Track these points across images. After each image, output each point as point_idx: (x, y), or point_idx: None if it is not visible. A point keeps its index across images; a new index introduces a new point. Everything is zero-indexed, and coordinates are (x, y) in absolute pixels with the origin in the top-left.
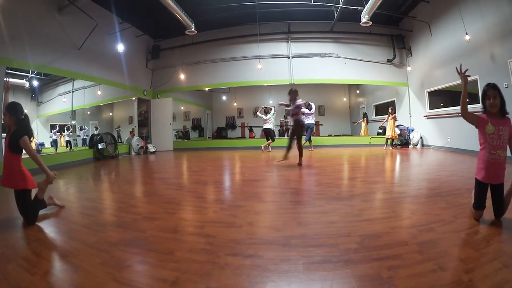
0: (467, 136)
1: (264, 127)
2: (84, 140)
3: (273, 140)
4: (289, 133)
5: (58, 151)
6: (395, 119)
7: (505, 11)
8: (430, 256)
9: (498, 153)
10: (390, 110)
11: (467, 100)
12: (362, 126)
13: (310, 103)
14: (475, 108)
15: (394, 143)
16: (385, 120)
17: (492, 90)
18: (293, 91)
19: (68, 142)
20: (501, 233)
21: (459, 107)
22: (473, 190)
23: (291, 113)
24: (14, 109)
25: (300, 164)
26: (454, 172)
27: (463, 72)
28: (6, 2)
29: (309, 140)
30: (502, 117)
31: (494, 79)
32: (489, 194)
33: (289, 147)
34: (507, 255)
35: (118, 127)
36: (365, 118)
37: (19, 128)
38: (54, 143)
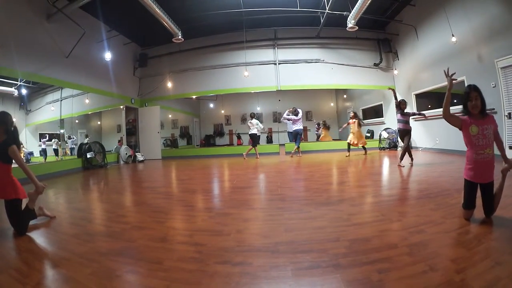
0: (456, 137)
1: (250, 132)
2: (71, 150)
3: (254, 146)
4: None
5: (47, 160)
6: (359, 124)
7: (491, 11)
8: (421, 257)
9: (486, 152)
10: (352, 114)
11: (455, 100)
12: (322, 133)
13: (297, 109)
14: (459, 109)
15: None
16: (345, 125)
17: (474, 92)
18: (404, 102)
19: (55, 151)
20: (492, 231)
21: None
22: (463, 191)
23: (404, 119)
24: (4, 119)
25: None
26: (443, 173)
27: (450, 75)
28: None
29: (298, 146)
30: (483, 117)
31: (482, 79)
32: (478, 193)
33: (404, 152)
34: (499, 253)
35: (86, 136)
36: (324, 126)
37: (8, 138)
38: (44, 152)
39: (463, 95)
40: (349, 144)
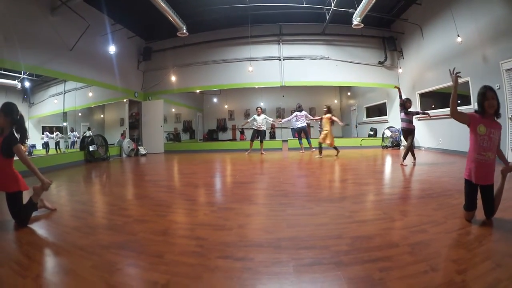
0: (458, 137)
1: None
2: (73, 143)
3: (251, 141)
4: (405, 137)
5: (49, 153)
6: (331, 120)
7: (497, 12)
8: (422, 257)
9: (488, 155)
10: (325, 109)
11: (458, 101)
12: None
13: (302, 106)
14: (465, 110)
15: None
16: (317, 119)
17: (490, 91)
18: (410, 101)
19: (57, 144)
20: (493, 233)
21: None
22: (464, 191)
23: (407, 118)
24: (10, 110)
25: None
26: (445, 173)
27: (456, 73)
28: None
29: (301, 143)
30: (494, 120)
31: (486, 81)
32: (479, 195)
33: (407, 151)
34: (500, 255)
35: (89, 129)
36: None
37: (13, 134)
38: (46, 145)
39: (478, 95)
40: (320, 144)
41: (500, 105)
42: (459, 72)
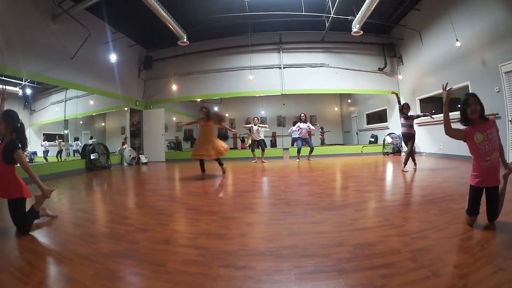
0: (459, 142)
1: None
2: (75, 152)
3: (252, 151)
4: (406, 143)
5: (49, 160)
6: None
7: (495, 16)
8: (424, 263)
9: (493, 156)
10: (204, 110)
11: (458, 105)
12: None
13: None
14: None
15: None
16: (190, 122)
17: (472, 97)
18: (407, 106)
19: (59, 152)
20: (495, 237)
21: (450, 113)
22: (468, 196)
23: (407, 123)
24: (11, 118)
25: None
26: (446, 178)
27: (448, 89)
28: (0, 9)
29: (298, 151)
30: (484, 122)
31: (485, 84)
32: (482, 199)
33: (408, 157)
34: (502, 258)
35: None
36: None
37: (13, 140)
38: (46, 153)
39: (461, 105)
40: (201, 161)
41: (484, 109)
42: (451, 88)
